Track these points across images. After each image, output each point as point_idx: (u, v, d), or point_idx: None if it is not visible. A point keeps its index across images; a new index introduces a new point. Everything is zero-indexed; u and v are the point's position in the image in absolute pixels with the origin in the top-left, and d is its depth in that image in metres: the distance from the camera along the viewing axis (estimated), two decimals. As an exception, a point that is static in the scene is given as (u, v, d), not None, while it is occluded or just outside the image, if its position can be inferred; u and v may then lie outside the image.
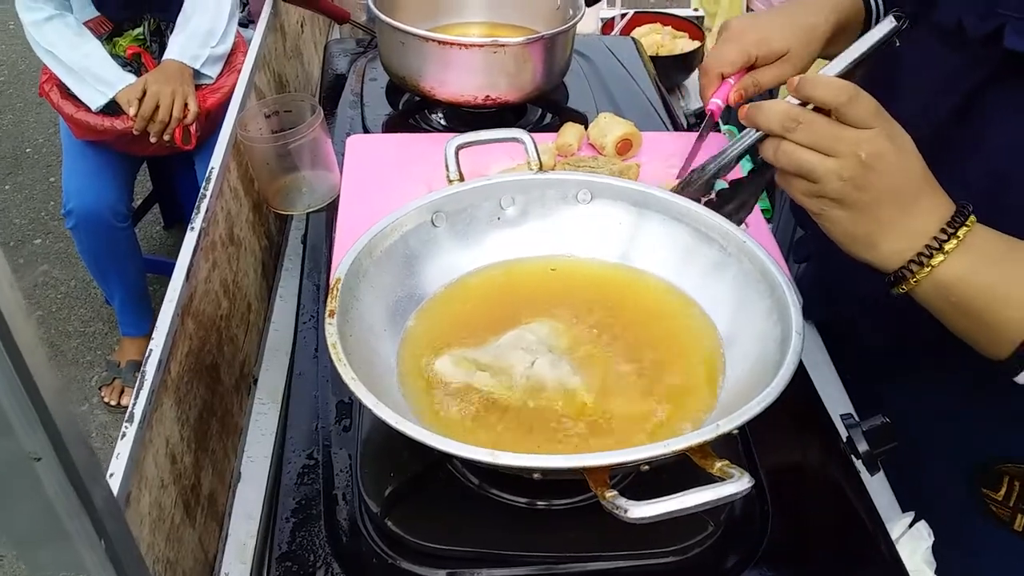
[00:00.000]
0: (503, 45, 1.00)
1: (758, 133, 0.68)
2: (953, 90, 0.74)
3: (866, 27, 0.92)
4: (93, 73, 1.79)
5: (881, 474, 0.83)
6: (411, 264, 0.74)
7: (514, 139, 0.80)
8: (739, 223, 0.76)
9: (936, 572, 0.72)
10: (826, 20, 0.86)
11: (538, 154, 0.79)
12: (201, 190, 0.82)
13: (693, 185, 0.78)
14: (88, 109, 1.81)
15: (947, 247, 0.60)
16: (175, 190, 2.39)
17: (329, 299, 0.64)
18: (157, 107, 1.74)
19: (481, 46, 1.00)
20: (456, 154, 0.78)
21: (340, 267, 0.67)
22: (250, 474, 0.81)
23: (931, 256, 0.60)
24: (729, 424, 0.53)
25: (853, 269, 0.68)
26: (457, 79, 1.03)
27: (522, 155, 0.80)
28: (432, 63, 1.03)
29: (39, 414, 0.39)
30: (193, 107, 1.79)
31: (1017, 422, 0.78)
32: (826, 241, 0.66)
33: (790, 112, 0.62)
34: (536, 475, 0.53)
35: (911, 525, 0.80)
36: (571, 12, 1.11)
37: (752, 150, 0.74)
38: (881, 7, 0.92)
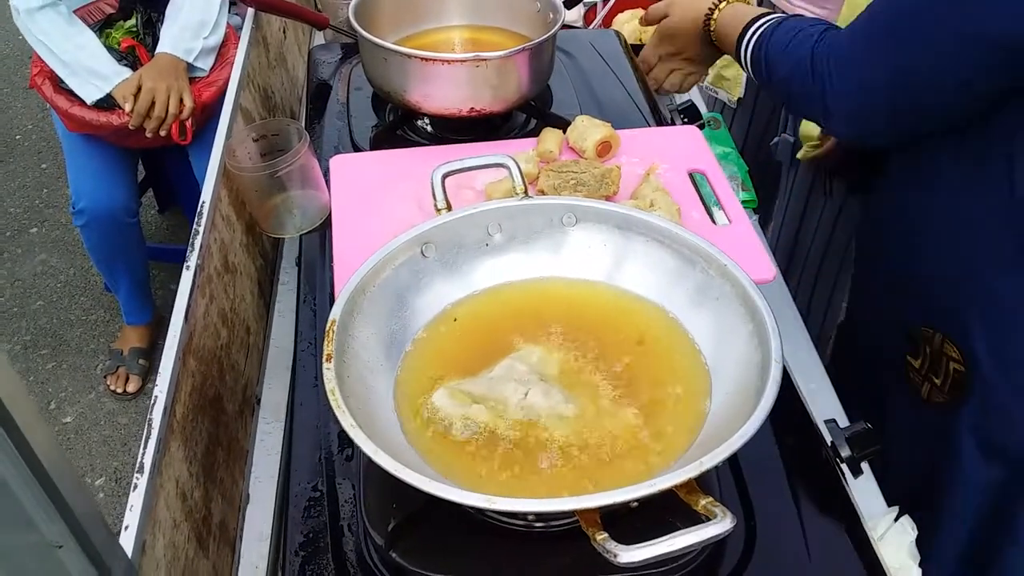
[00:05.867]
0: (485, 60, 1.00)
1: None
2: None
3: None
4: (87, 66, 1.76)
5: (868, 473, 0.86)
6: (404, 296, 0.76)
7: (499, 164, 0.81)
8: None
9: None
10: None
11: (523, 179, 0.80)
12: (193, 226, 0.84)
13: None
14: (83, 103, 1.79)
15: (721, 6, 1.02)
16: (168, 175, 2.38)
17: (325, 343, 0.66)
18: (153, 103, 1.73)
19: (463, 61, 1.01)
20: (442, 182, 0.80)
21: (334, 309, 0.69)
22: (258, 494, 0.84)
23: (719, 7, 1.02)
24: (712, 460, 0.55)
25: None
26: (441, 93, 1.04)
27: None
28: (415, 79, 1.03)
29: (57, 507, 0.41)
30: (189, 102, 1.77)
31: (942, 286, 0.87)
32: None
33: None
34: (531, 517, 0.56)
35: (896, 519, 0.83)
36: (551, 15, 1.12)
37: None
38: None
